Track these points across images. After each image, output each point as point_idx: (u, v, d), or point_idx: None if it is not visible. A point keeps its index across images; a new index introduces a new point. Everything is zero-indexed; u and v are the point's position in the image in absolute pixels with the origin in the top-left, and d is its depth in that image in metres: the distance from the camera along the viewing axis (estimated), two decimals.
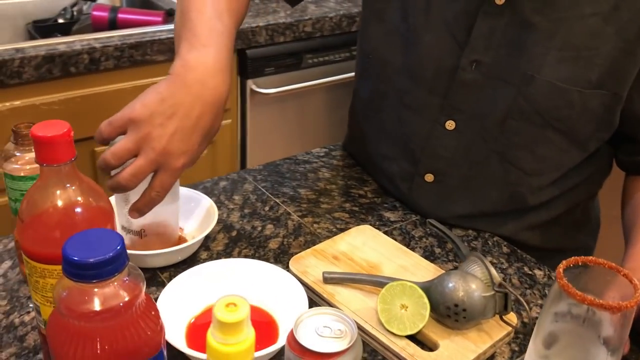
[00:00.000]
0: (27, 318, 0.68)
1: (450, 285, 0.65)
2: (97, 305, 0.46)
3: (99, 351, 0.47)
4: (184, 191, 0.82)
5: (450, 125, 0.83)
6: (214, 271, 0.71)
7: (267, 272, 0.72)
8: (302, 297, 0.68)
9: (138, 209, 0.69)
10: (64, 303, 0.47)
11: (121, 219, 0.74)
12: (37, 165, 0.52)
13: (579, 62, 0.74)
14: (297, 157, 1.03)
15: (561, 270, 0.55)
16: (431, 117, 0.84)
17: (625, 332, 0.55)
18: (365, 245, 0.80)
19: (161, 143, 0.66)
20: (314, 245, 0.80)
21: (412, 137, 0.87)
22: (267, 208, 0.90)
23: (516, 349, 0.68)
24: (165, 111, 0.67)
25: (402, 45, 0.84)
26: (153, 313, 0.50)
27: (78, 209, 0.53)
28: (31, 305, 0.69)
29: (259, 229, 0.85)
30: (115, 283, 0.47)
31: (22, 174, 0.66)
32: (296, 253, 0.78)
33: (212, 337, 0.40)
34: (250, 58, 1.66)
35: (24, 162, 0.66)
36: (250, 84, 1.70)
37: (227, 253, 0.80)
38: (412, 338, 0.66)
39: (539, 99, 0.77)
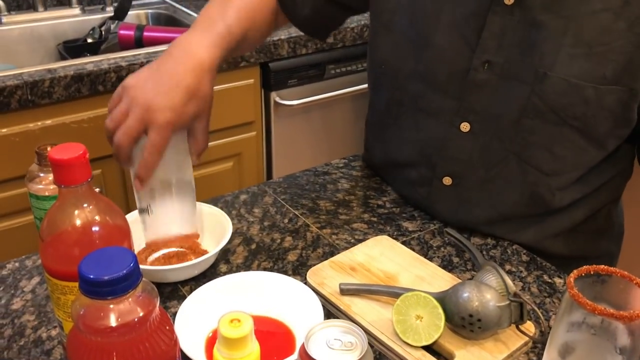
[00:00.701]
0: (53, 333, 0.70)
1: (465, 295, 0.65)
2: (112, 321, 0.48)
3: None
4: (200, 207, 0.84)
5: (465, 127, 0.83)
6: (232, 284, 0.73)
7: (284, 284, 0.73)
8: (319, 309, 0.69)
9: (138, 176, 0.75)
10: (82, 319, 0.49)
11: (138, 203, 0.78)
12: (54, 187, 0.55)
13: (592, 58, 0.74)
14: (316, 168, 1.05)
15: (572, 279, 0.55)
16: (446, 120, 0.84)
17: (637, 343, 0.54)
18: (383, 255, 0.80)
19: (144, 99, 0.73)
20: (333, 256, 0.81)
21: (429, 140, 0.87)
22: (286, 220, 0.91)
23: (534, 358, 0.67)
24: (151, 76, 0.76)
25: (413, 52, 0.84)
26: (167, 327, 0.52)
27: (95, 228, 0.55)
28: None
29: (278, 241, 0.86)
30: (130, 299, 0.49)
31: (46, 194, 0.69)
32: (315, 264, 0.79)
33: (219, 352, 0.42)
34: (274, 71, 1.69)
35: (48, 183, 0.68)
36: (274, 96, 1.72)
37: (246, 266, 0.81)
38: (428, 349, 0.66)
39: (553, 97, 0.76)
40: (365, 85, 1.82)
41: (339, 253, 0.82)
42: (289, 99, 1.73)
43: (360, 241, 0.85)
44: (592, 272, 0.57)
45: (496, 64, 0.78)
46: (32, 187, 0.69)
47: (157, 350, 0.50)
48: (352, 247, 0.83)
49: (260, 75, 1.69)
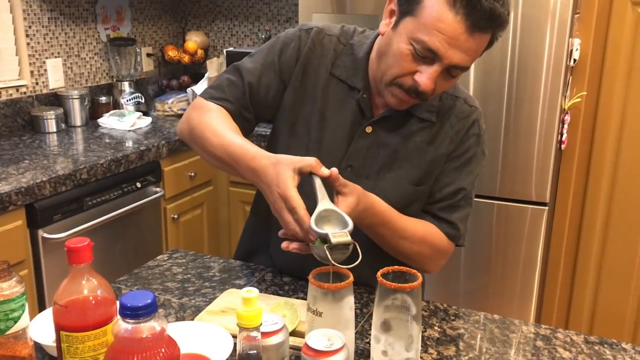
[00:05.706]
0: None
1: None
2: (143, 334, 0.74)
3: None
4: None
5: None
6: None
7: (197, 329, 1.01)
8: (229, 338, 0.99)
9: None
10: (122, 335, 0.73)
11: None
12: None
13: (411, 167, 1.22)
14: (148, 264, 1.32)
15: (380, 274, 0.90)
16: None
17: (419, 308, 0.89)
18: (239, 298, 1.14)
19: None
20: (200, 313, 1.11)
21: None
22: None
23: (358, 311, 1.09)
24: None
25: (305, 154, 1.18)
26: (173, 341, 0.78)
27: (99, 291, 0.79)
28: None
29: None
30: (152, 320, 0.75)
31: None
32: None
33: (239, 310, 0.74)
34: (39, 209, 1.85)
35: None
36: (41, 233, 1.87)
37: None
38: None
39: (387, 191, 1.20)
40: (121, 210, 2.10)
41: (203, 309, 1.12)
42: (56, 233, 1.90)
43: (214, 299, 1.17)
44: (391, 271, 0.92)
45: (355, 167, 1.23)
46: None
47: (168, 353, 0.77)
48: (208, 304, 1.14)
49: (26, 216, 1.83)
